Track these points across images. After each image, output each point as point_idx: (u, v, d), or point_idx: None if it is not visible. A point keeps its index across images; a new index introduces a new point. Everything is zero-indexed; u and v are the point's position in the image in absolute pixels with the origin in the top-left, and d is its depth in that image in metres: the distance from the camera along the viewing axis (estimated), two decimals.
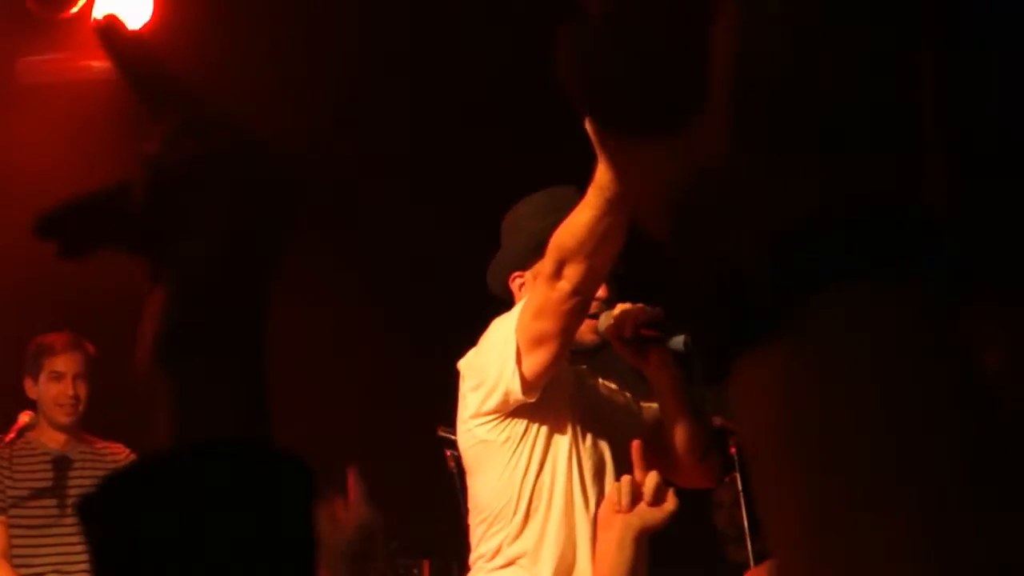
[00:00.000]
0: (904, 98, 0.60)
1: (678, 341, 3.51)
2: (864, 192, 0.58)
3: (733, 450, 4.35)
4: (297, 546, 0.88)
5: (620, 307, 3.61)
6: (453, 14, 6.44)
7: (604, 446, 3.66)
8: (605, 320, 3.60)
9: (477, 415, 3.61)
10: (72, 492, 5.17)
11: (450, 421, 4.05)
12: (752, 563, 4.33)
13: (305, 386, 7.14)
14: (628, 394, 3.82)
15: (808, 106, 0.59)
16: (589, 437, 3.65)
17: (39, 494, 5.16)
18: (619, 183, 0.67)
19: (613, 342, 3.61)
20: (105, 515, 0.88)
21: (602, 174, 3.24)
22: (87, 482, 5.21)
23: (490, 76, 6.52)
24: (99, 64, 6.40)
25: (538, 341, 3.44)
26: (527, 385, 3.49)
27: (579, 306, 3.42)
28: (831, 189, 0.59)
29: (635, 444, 3.03)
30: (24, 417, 5.18)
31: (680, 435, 3.62)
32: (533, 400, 3.54)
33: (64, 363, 5.24)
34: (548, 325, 3.42)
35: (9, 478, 5.15)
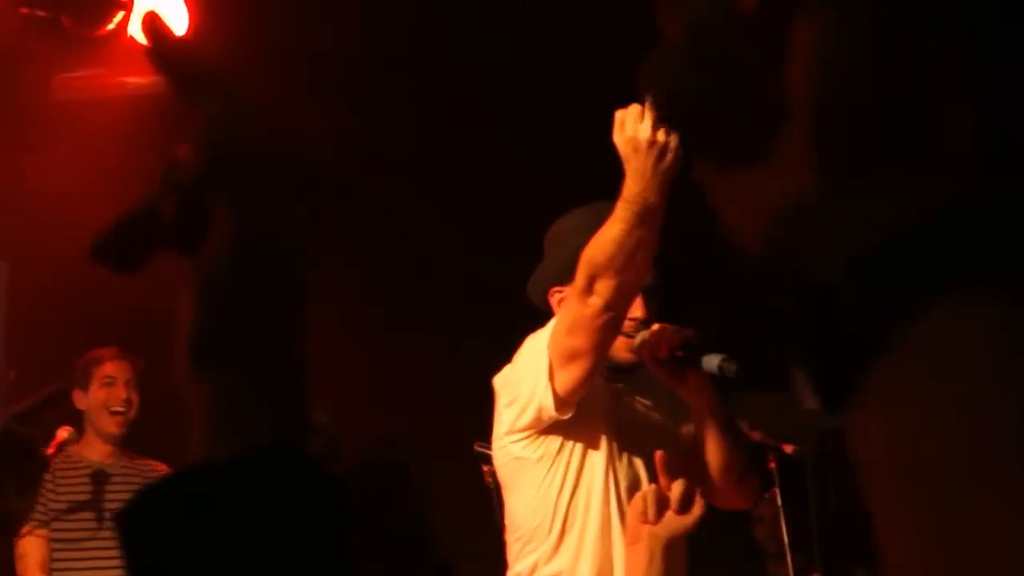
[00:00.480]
0: (969, 115, 0.60)
1: (712, 363, 3.48)
2: (943, 208, 0.58)
3: (772, 464, 4.32)
4: (328, 553, 0.87)
5: (655, 327, 3.58)
6: (454, 13, 6.45)
7: (640, 465, 3.63)
8: (641, 340, 3.57)
9: (512, 432, 3.59)
10: (111, 506, 5.19)
11: (478, 432, 4.03)
12: None
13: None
14: (665, 414, 3.77)
15: (884, 129, 0.59)
16: (625, 455, 3.62)
17: (79, 507, 5.18)
18: (714, 208, 0.67)
19: (647, 363, 3.58)
20: (141, 526, 0.89)
21: (629, 188, 3.23)
22: (126, 497, 5.22)
23: (491, 76, 6.52)
24: (134, 81, 6.42)
25: (571, 357, 3.41)
26: (560, 402, 3.46)
27: (611, 322, 3.39)
28: (911, 208, 0.58)
29: (658, 455, 3.00)
30: (63, 433, 5.19)
31: (716, 457, 3.59)
32: (567, 417, 3.51)
33: (115, 369, 5.31)
34: (580, 341, 3.39)
35: (52, 491, 5.17)
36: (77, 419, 5.33)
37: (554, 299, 3.72)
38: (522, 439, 3.58)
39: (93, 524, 5.17)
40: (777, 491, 4.37)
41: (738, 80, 0.63)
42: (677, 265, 3.65)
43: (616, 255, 3.27)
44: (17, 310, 6.59)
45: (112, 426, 5.26)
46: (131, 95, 6.47)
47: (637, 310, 3.55)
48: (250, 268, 0.93)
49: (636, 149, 3.20)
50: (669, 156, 3.19)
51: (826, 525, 4.45)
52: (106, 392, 5.28)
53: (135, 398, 5.31)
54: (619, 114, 3.25)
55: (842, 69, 0.60)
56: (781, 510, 4.36)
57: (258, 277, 0.93)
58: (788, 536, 4.33)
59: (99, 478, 5.24)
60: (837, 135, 0.60)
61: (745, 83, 0.62)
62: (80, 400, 5.31)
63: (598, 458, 3.58)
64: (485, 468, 4.35)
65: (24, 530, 5.13)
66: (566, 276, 3.64)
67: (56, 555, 5.13)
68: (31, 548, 5.12)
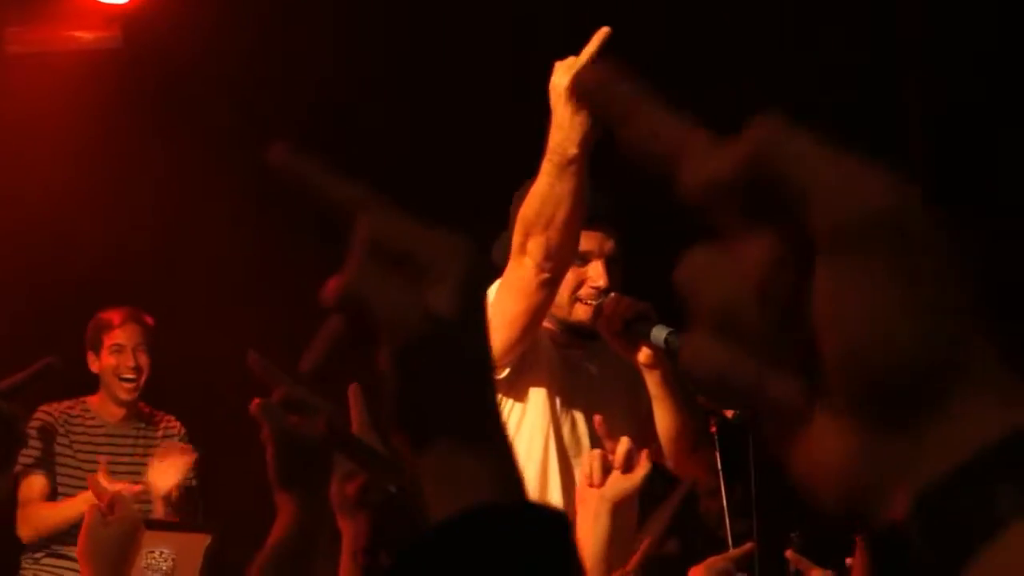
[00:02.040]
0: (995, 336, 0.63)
1: (660, 336, 3.47)
2: (991, 431, 0.60)
3: (713, 429, 4.37)
4: None
5: (611, 297, 3.55)
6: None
7: (585, 432, 3.63)
8: (597, 309, 3.55)
9: None
10: (125, 467, 5.22)
11: None
12: (731, 544, 4.35)
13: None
14: (626, 383, 3.75)
15: (915, 372, 0.61)
16: (570, 421, 3.61)
17: (93, 468, 5.19)
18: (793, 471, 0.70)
19: (602, 332, 3.56)
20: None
21: (552, 139, 3.15)
22: (140, 456, 5.26)
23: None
24: (85, 35, 6.40)
25: (504, 318, 3.37)
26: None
27: (545, 283, 3.34)
28: (969, 436, 0.60)
29: (597, 419, 3.02)
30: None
31: (669, 427, 3.59)
32: (501, 376, 3.47)
33: (124, 335, 5.32)
34: (514, 303, 3.36)
35: (68, 452, 5.21)
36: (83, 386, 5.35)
37: None
38: None
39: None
40: (717, 455, 4.42)
41: (775, 352, 0.65)
42: (642, 235, 3.68)
43: (541, 210, 3.21)
44: None
45: (123, 392, 5.31)
46: (82, 49, 6.45)
47: (599, 279, 3.52)
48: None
49: (557, 98, 3.12)
50: (586, 111, 3.06)
51: (763, 491, 4.50)
52: (116, 359, 5.33)
53: (145, 362, 5.35)
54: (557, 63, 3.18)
55: (868, 318, 0.62)
56: (721, 475, 4.41)
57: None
58: (727, 502, 4.38)
59: (115, 438, 5.29)
60: (872, 387, 0.62)
61: (781, 355, 0.65)
62: (93, 363, 5.37)
63: (538, 422, 3.57)
64: None
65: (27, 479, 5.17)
66: None
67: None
68: (35, 486, 5.15)
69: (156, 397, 5.57)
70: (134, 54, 6.43)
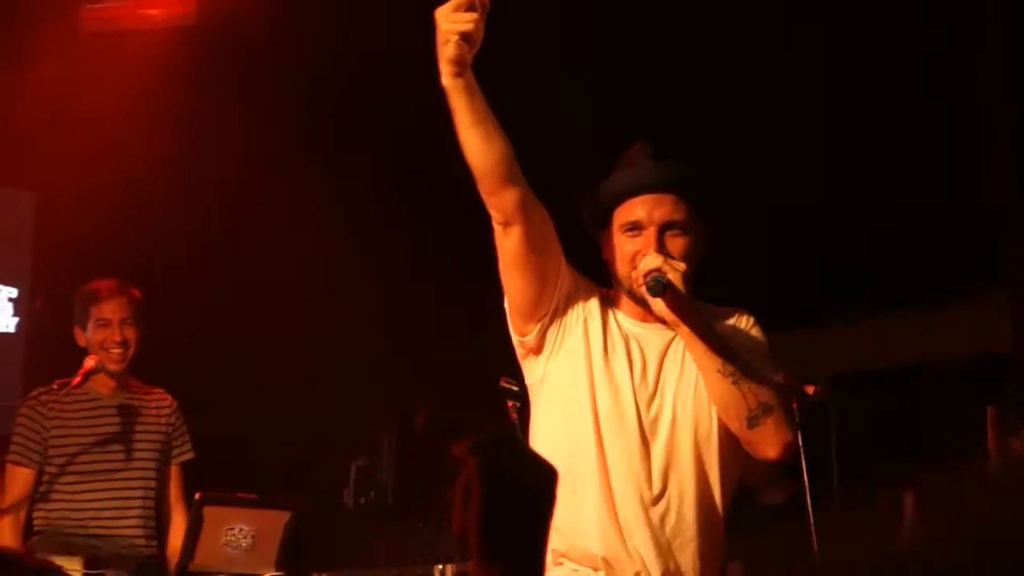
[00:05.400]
0: None
1: (647, 275, 3.29)
2: None
3: (795, 406, 4.34)
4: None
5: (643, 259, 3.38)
6: None
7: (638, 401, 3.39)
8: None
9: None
10: (118, 438, 5.22)
11: (509, 371, 4.03)
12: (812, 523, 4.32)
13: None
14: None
15: None
16: (614, 391, 3.37)
17: (85, 439, 5.21)
18: None
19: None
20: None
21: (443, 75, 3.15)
22: (131, 429, 5.26)
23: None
24: (160, 12, 6.43)
25: (504, 282, 3.35)
26: (511, 320, 3.40)
27: (508, 235, 3.27)
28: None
29: None
30: (89, 362, 5.21)
31: (712, 394, 3.35)
32: (525, 337, 3.40)
33: (110, 309, 5.26)
34: (500, 264, 3.34)
35: (60, 423, 5.20)
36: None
37: None
38: (525, 364, 3.50)
39: (101, 456, 5.21)
40: (799, 432, 4.39)
41: None
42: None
43: (471, 160, 3.22)
44: (43, 240, 6.64)
45: (111, 364, 5.26)
46: (155, 27, 6.48)
47: (646, 248, 3.33)
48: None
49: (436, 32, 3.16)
50: (447, 42, 3.08)
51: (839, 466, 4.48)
52: (102, 333, 5.26)
53: (132, 335, 5.27)
54: None
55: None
56: (802, 451, 4.38)
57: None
58: (807, 474, 4.36)
59: (107, 410, 5.27)
60: None
61: None
62: (80, 337, 5.30)
63: (580, 388, 3.38)
64: (510, 403, 4.38)
65: (12, 459, 5.18)
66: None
67: (60, 487, 5.17)
68: (18, 480, 5.17)
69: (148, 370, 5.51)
70: (208, 31, 6.45)
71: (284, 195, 6.72)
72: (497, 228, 3.29)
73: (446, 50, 3.11)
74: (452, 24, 3.10)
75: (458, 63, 3.12)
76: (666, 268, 3.28)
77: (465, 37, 3.10)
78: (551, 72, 6.64)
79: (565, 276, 3.39)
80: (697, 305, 3.40)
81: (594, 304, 3.44)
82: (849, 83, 6.52)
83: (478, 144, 3.20)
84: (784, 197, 6.89)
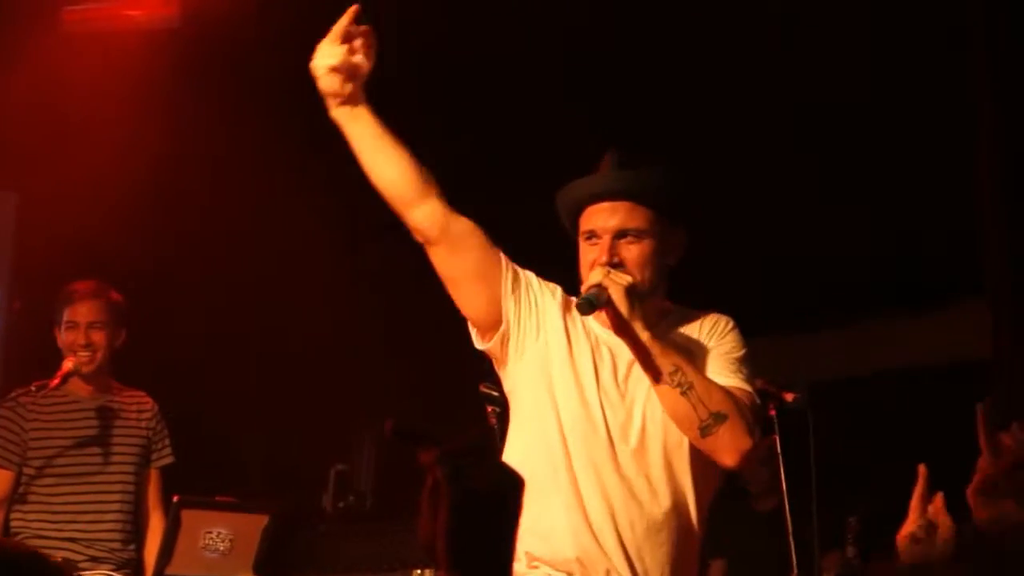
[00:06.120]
0: None
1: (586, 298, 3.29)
2: None
3: (772, 412, 4.33)
4: None
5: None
6: None
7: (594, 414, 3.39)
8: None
9: None
10: (93, 440, 5.21)
11: (488, 377, 4.02)
12: (791, 532, 4.31)
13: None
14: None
15: None
16: (579, 399, 3.36)
17: (63, 442, 5.19)
18: None
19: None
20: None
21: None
22: (110, 431, 5.24)
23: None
24: (143, 13, 6.41)
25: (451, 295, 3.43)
26: (471, 332, 3.45)
27: (435, 253, 3.35)
28: None
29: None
30: (68, 363, 5.19)
31: (668, 410, 3.31)
32: (483, 346, 3.44)
33: (80, 312, 5.22)
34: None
35: (39, 424, 5.18)
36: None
37: None
38: (500, 373, 3.53)
39: (78, 459, 5.19)
40: (776, 439, 4.37)
41: None
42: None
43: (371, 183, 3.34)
44: (25, 240, 6.62)
45: (80, 364, 5.22)
46: (138, 28, 6.46)
47: (600, 256, 3.34)
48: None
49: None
50: (318, 77, 3.27)
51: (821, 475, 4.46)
52: (71, 336, 5.24)
53: (100, 339, 5.21)
54: None
55: None
56: (780, 458, 4.37)
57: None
58: (786, 485, 4.34)
59: (85, 412, 5.25)
60: None
61: None
62: (58, 338, 5.29)
63: (543, 392, 3.39)
64: (489, 408, 4.36)
65: None
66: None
67: (38, 489, 5.15)
68: None
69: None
70: (191, 32, 6.42)
71: (270, 196, 6.70)
72: (426, 248, 3.35)
73: (319, 85, 3.28)
74: (320, 60, 3.27)
75: (333, 95, 3.28)
76: (607, 283, 3.27)
77: (338, 69, 3.25)
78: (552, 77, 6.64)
79: (513, 284, 3.41)
80: (665, 307, 3.45)
81: (554, 308, 3.44)
82: (837, 86, 6.51)
83: (376, 170, 3.31)
84: (773, 202, 6.88)
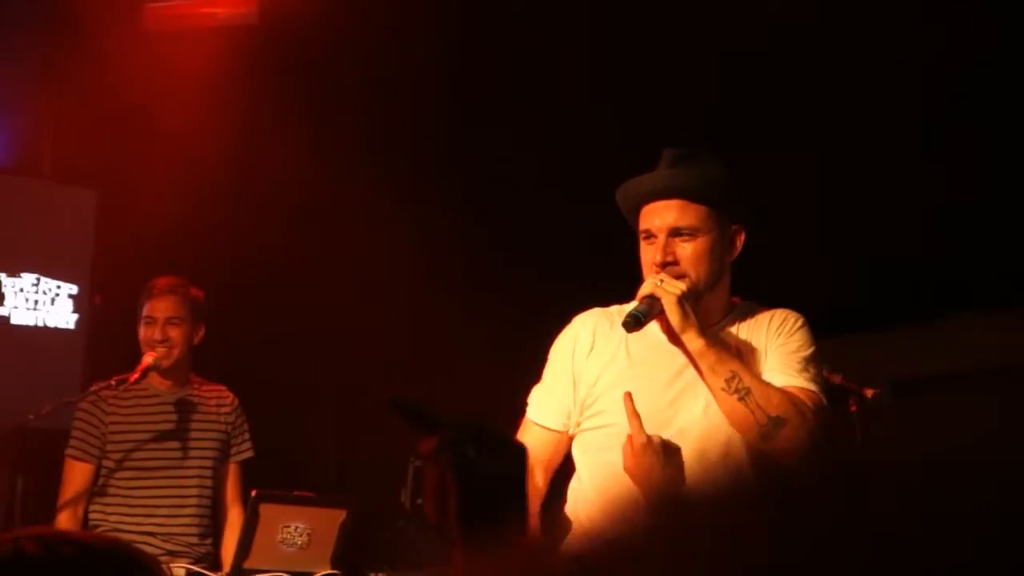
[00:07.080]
0: None
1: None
2: None
3: (853, 408, 4.29)
4: None
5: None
6: None
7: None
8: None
9: None
10: (172, 434, 5.24)
11: None
12: None
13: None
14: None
15: None
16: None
17: (142, 435, 5.23)
18: None
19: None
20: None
21: None
22: (189, 425, 5.27)
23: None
24: (222, 12, 6.45)
25: None
26: None
27: None
28: None
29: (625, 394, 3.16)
30: (148, 358, 5.22)
31: (727, 416, 3.32)
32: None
33: (158, 307, 5.24)
34: None
35: (118, 418, 5.22)
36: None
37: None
38: None
39: (157, 453, 5.22)
40: (857, 436, 4.34)
41: None
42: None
43: None
44: (104, 237, 6.67)
45: (158, 360, 5.25)
46: (219, 26, 6.50)
47: (656, 255, 3.37)
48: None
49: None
50: None
51: None
52: (147, 331, 5.27)
53: (176, 334, 5.23)
54: None
55: None
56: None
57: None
58: None
59: (165, 406, 5.28)
60: None
61: None
62: (139, 333, 5.33)
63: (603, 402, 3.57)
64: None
65: (71, 454, 5.20)
66: None
67: (118, 483, 5.19)
68: (76, 475, 5.19)
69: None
70: (270, 30, 6.46)
71: (347, 196, 6.72)
72: None
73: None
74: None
75: None
76: (659, 292, 3.30)
77: None
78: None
79: (569, 389, 3.58)
80: (731, 303, 3.48)
81: (582, 349, 3.58)
82: (882, 86, 6.45)
83: None
84: (845, 198, 6.83)
